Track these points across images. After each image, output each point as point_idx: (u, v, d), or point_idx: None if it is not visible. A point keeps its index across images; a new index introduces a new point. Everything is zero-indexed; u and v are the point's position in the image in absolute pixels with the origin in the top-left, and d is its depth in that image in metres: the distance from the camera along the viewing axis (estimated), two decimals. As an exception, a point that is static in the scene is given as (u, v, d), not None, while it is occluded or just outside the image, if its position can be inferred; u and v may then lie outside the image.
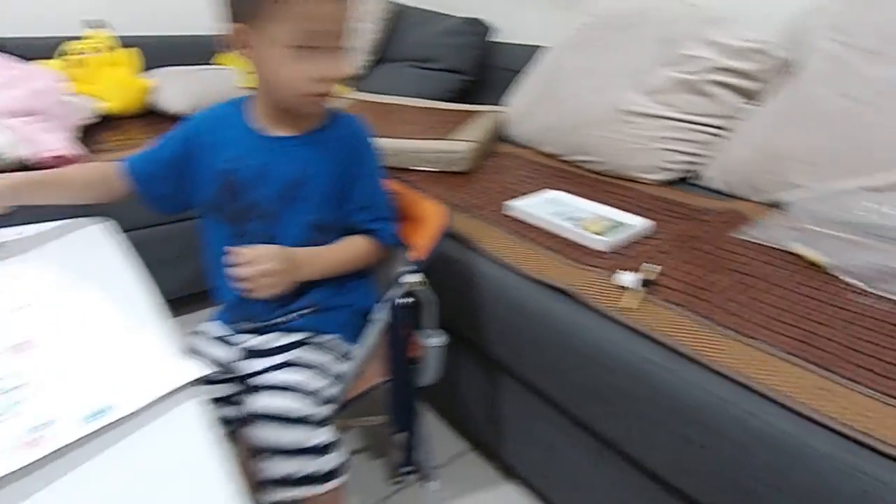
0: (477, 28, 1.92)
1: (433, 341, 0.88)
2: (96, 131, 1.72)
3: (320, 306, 0.84)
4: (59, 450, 0.42)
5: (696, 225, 1.13)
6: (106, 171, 0.82)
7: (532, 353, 0.93)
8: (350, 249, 0.84)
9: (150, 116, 1.92)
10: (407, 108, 1.71)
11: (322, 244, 0.82)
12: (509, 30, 1.99)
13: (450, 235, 0.89)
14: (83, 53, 1.89)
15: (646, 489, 0.83)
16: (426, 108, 1.72)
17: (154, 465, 0.42)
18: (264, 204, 0.80)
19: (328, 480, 0.72)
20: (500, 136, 1.64)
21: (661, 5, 1.42)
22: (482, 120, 1.58)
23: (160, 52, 2.05)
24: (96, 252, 0.75)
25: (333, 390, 0.80)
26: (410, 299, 0.82)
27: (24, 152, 1.41)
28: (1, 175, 0.72)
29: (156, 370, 0.51)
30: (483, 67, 1.97)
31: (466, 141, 1.36)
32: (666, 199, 1.27)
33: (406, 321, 0.83)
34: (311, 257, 0.80)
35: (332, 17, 0.69)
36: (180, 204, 0.86)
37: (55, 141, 1.47)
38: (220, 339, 0.85)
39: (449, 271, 1.04)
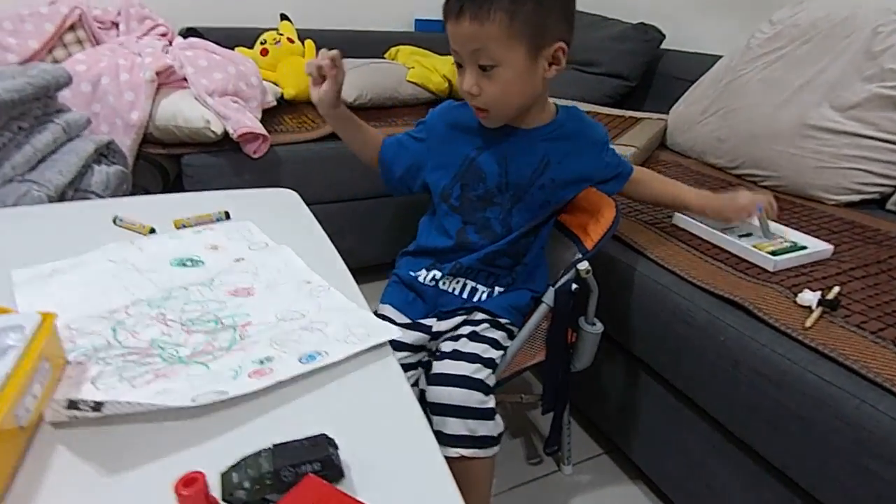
0: (648, 34, 1.95)
1: (592, 328, 0.97)
2: (275, 113, 2.00)
3: (506, 290, 0.97)
4: (280, 382, 0.50)
5: (882, 250, 1.08)
6: (378, 142, 1.01)
7: (692, 363, 0.96)
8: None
9: (320, 103, 2.17)
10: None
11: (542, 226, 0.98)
12: (681, 37, 1.99)
13: (613, 236, 0.96)
14: (270, 43, 2.20)
15: (809, 521, 0.82)
16: (589, 111, 1.78)
17: (359, 404, 0.49)
18: (501, 192, 0.93)
19: (494, 445, 0.82)
20: (662, 144, 1.66)
21: (868, 15, 1.36)
22: (645, 126, 1.61)
23: (334, 45, 2.29)
24: (294, 217, 0.90)
25: (500, 364, 0.90)
26: (576, 286, 0.92)
27: (224, 128, 1.69)
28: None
29: (359, 326, 0.59)
30: (647, 74, 1.99)
31: (629, 146, 1.41)
32: (849, 222, 1.23)
33: (570, 306, 0.92)
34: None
35: (462, 36, 0.81)
36: (403, 188, 1.02)
37: (248, 120, 1.74)
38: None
39: (609, 270, 1.10)
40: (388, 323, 0.61)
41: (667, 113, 1.73)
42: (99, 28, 2.12)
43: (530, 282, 0.99)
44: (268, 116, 1.91)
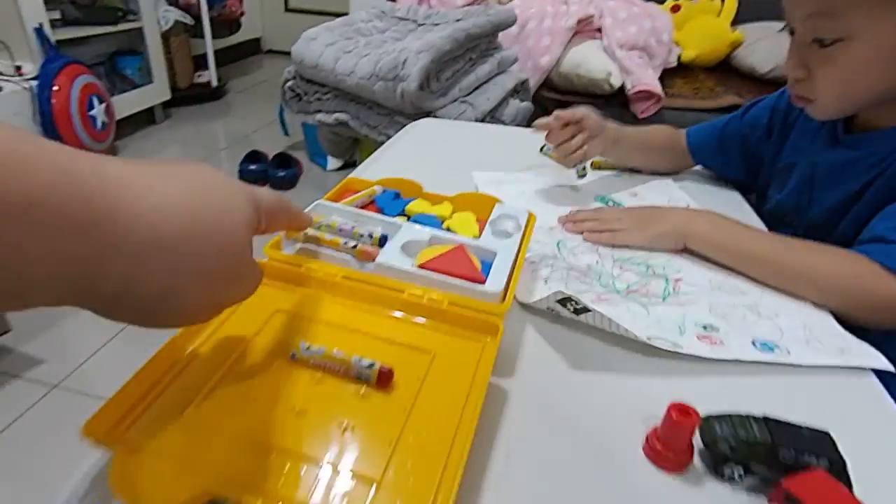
0: None
1: None
2: (669, 74, 1.92)
3: None
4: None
5: None
6: (676, 139, 0.84)
7: None
8: (799, 247, 0.58)
9: (726, 71, 1.99)
10: None
11: None
12: None
13: None
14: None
15: None
16: None
17: (830, 415, 0.39)
18: (821, 214, 0.68)
19: None
20: None
21: None
22: None
23: (758, 5, 2.05)
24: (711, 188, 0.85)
25: None
26: None
27: (624, 82, 1.71)
28: (608, 123, 0.78)
29: (824, 333, 0.52)
30: None
31: None
32: None
33: None
34: (704, 219, 0.63)
35: None
36: (745, 176, 0.82)
37: (649, 77, 1.72)
38: None
39: None
40: (866, 344, 0.50)
41: None
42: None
43: None
44: (661, 78, 1.85)
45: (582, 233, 0.68)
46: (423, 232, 0.50)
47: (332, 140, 1.66)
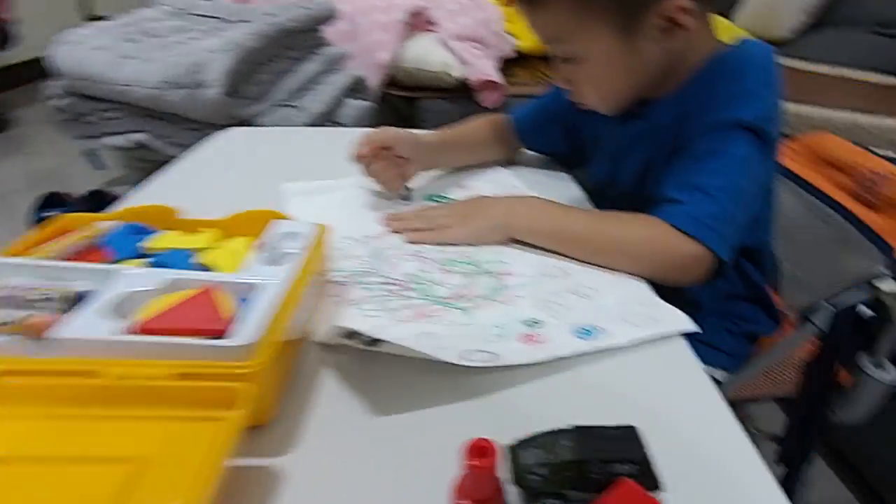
0: None
1: (882, 374, 0.71)
2: (509, 64, 1.92)
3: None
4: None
5: None
6: (501, 127, 0.81)
7: None
8: (610, 220, 0.59)
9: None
10: (857, 82, 1.41)
11: None
12: None
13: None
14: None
15: None
16: (888, 84, 1.38)
17: (655, 394, 0.41)
18: (629, 182, 0.70)
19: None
20: None
21: None
22: None
23: None
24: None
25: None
26: (872, 314, 0.68)
27: (464, 73, 1.67)
28: (419, 134, 0.73)
29: (638, 303, 0.51)
30: None
31: None
32: None
33: (851, 336, 0.69)
34: (525, 207, 0.62)
35: (529, 26, 0.61)
36: (570, 151, 0.80)
37: (487, 67, 1.69)
38: None
39: None
40: (674, 308, 0.50)
41: None
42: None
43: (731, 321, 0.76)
44: (502, 68, 1.85)
45: (406, 234, 0.61)
46: (156, 277, 0.36)
47: (137, 168, 1.40)
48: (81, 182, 1.91)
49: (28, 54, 2.81)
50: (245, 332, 0.31)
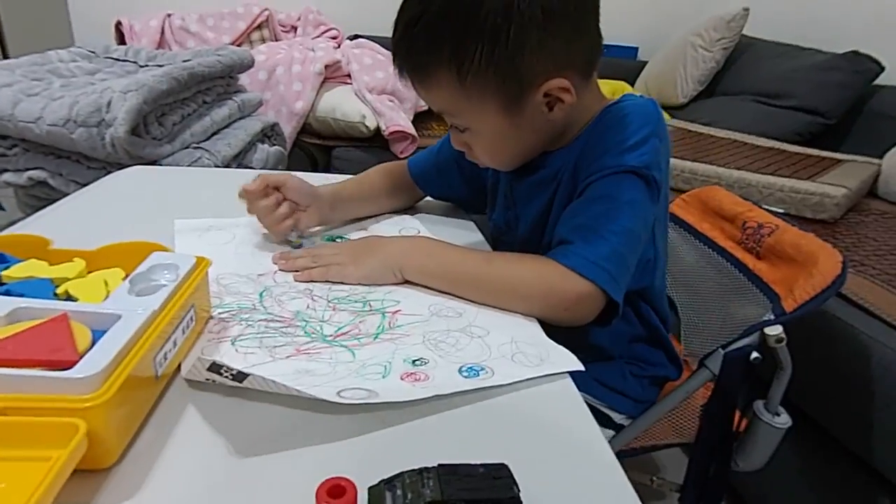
0: (862, 65, 1.66)
1: (776, 419, 0.73)
2: (424, 118, 2.00)
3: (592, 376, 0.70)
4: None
5: None
6: (399, 175, 0.80)
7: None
8: (502, 261, 0.60)
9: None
10: (744, 144, 1.57)
11: None
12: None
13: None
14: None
15: None
16: (770, 147, 1.56)
17: (533, 430, 0.40)
18: (527, 228, 0.70)
19: None
20: (872, 192, 1.38)
21: None
22: (850, 168, 1.36)
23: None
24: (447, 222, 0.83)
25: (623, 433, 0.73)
26: (758, 356, 0.69)
27: (378, 123, 1.72)
28: (320, 188, 0.72)
29: (528, 343, 0.50)
30: (852, 112, 1.70)
31: (838, 186, 1.18)
32: None
33: (743, 382, 0.69)
34: (418, 249, 0.62)
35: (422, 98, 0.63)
36: (472, 196, 0.80)
37: (401, 119, 1.75)
38: None
39: (817, 335, 0.89)
40: (564, 349, 0.50)
41: (877, 157, 1.45)
42: (281, 31, 2.30)
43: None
44: (416, 120, 1.92)
45: (295, 273, 0.60)
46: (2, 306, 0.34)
47: (35, 206, 1.31)
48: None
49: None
50: (90, 363, 0.30)
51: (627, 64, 2.43)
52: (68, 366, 0.30)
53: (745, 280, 0.79)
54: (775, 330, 0.68)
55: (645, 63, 2.36)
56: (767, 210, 0.82)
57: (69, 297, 0.39)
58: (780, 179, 1.20)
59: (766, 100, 1.82)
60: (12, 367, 0.29)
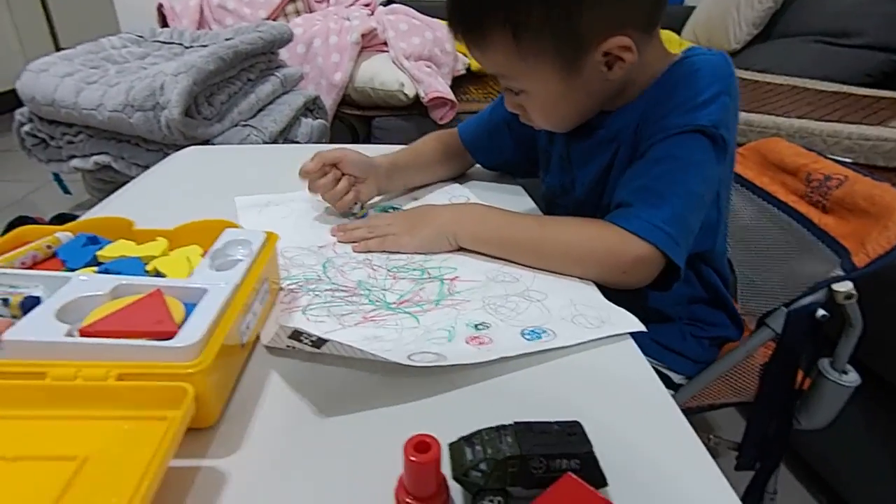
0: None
1: (843, 378, 0.70)
2: (461, 82, 1.97)
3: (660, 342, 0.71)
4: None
5: None
6: (451, 143, 0.80)
7: None
8: (557, 225, 0.60)
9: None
10: (805, 89, 1.48)
11: None
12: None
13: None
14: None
15: None
16: (835, 91, 1.46)
17: (601, 391, 0.41)
18: (584, 191, 0.69)
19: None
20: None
21: None
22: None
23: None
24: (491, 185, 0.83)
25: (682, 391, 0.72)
26: (825, 314, 0.66)
27: (417, 91, 1.70)
28: (376, 158, 0.73)
29: (587, 305, 0.51)
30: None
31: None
32: None
33: (808, 340, 0.67)
34: (470, 216, 0.63)
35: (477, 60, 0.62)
36: (523, 160, 0.79)
37: (440, 85, 1.73)
38: None
39: (890, 290, 0.83)
40: (624, 310, 0.50)
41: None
42: (314, 1, 2.29)
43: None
44: (454, 85, 1.89)
45: (353, 244, 0.62)
46: (103, 283, 0.37)
47: (101, 189, 1.39)
48: (49, 208, 1.88)
49: (2, 86, 2.74)
50: (189, 333, 0.33)
51: (673, 10, 2.30)
52: (169, 336, 0.33)
53: (810, 235, 0.75)
54: (845, 286, 0.64)
55: (692, 8, 2.23)
56: (834, 160, 0.76)
57: (158, 273, 0.42)
58: (848, 126, 1.13)
59: (831, 39, 1.68)
60: (122, 338, 0.32)
